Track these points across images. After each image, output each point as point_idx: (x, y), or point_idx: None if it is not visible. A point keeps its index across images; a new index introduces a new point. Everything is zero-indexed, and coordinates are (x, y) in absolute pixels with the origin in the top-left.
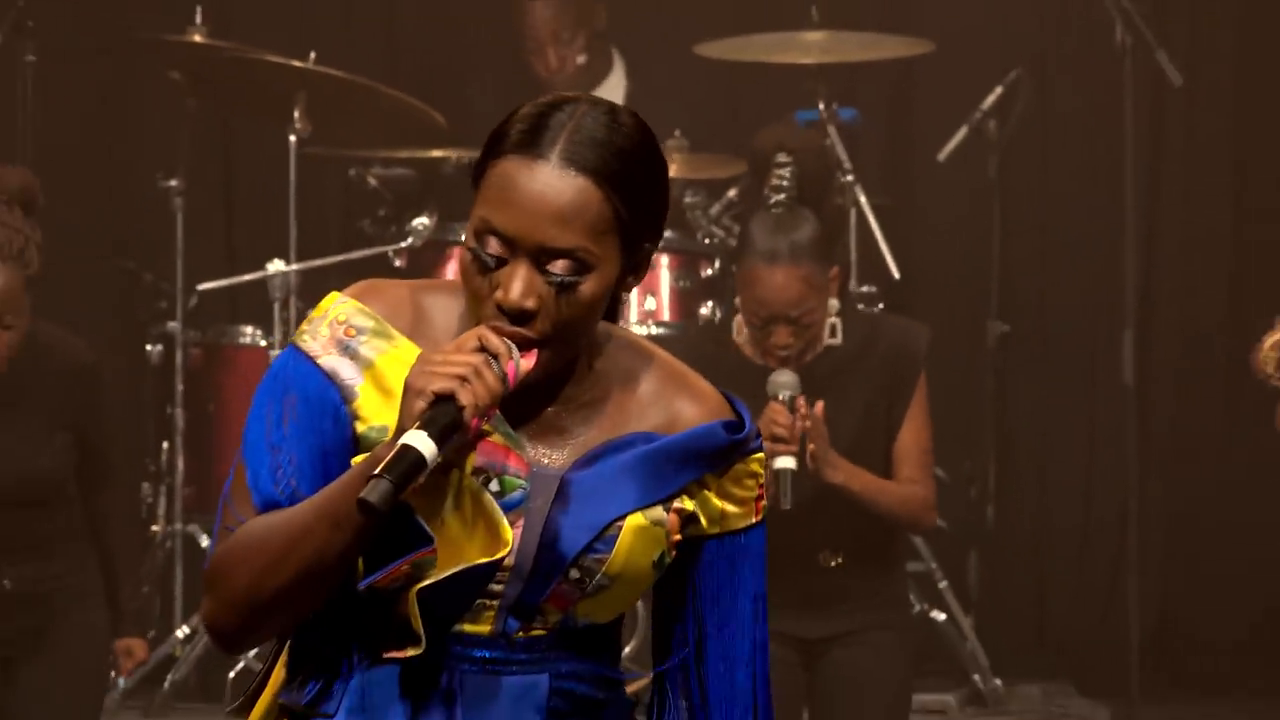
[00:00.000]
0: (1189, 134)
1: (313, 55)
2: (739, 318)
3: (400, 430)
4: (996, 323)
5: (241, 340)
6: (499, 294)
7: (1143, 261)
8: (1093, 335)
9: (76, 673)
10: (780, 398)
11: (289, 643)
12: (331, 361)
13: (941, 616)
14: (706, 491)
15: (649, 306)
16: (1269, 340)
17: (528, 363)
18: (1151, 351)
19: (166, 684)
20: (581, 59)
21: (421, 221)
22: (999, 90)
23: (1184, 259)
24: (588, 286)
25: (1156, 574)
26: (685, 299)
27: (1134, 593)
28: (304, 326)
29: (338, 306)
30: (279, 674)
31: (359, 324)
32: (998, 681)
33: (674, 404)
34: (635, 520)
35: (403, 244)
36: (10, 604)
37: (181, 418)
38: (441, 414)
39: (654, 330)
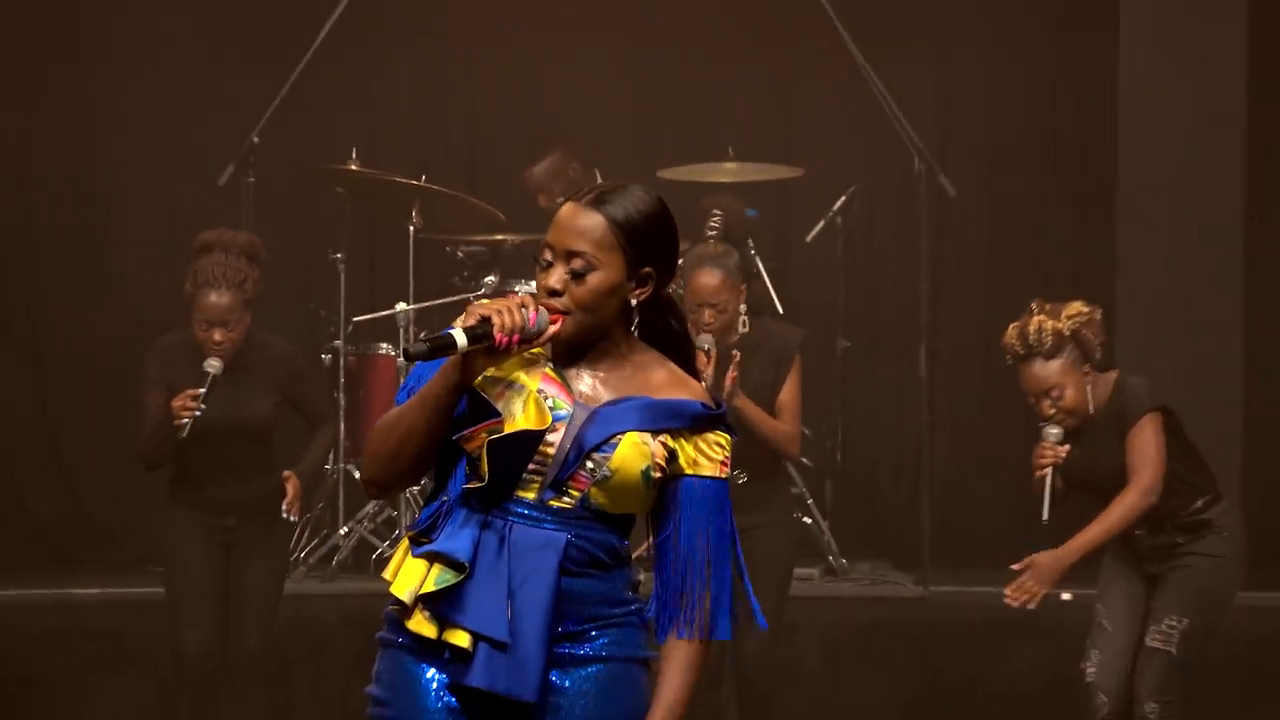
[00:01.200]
0: (960, 224)
1: (424, 177)
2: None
3: (456, 326)
4: (842, 340)
5: (379, 352)
6: (542, 281)
7: (931, 302)
8: (900, 346)
9: (273, 552)
10: (703, 345)
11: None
12: (464, 338)
13: (809, 520)
14: (684, 440)
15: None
16: (1012, 326)
17: (555, 326)
18: (937, 357)
19: (334, 563)
20: (560, 200)
21: (489, 280)
22: (843, 199)
23: (957, 300)
24: (592, 279)
25: (940, 493)
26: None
27: (926, 504)
28: (464, 317)
29: (517, 297)
30: (402, 549)
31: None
32: (844, 560)
33: (676, 391)
34: (631, 436)
35: (478, 293)
36: (236, 504)
37: (342, 399)
38: (479, 325)
39: None
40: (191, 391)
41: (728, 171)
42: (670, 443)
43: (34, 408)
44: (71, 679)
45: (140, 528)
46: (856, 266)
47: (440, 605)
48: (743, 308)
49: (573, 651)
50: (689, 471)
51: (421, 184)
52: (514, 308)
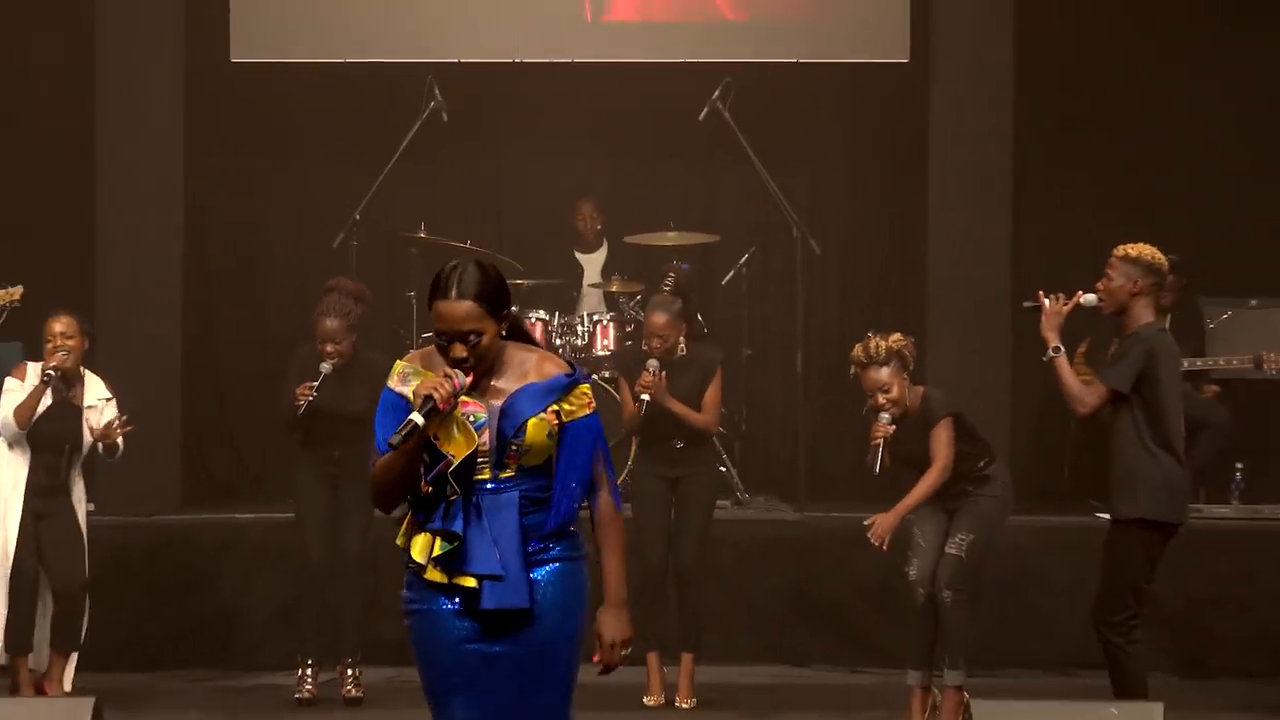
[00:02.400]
0: (823, 272)
1: (468, 240)
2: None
3: (413, 408)
4: (746, 349)
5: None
6: (452, 354)
7: (804, 323)
8: (784, 353)
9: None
10: (649, 367)
11: (410, 507)
12: (401, 387)
13: (724, 469)
14: (562, 402)
15: (628, 344)
16: (857, 345)
17: (469, 379)
18: (809, 360)
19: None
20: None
21: (512, 308)
22: (746, 255)
23: (821, 321)
24: (483, 340)
25: (810, 450)
26: (635, 333)
27: (801, 458)
28: (389, 379)
29: (399, 365)
30: (407, 522)
31: (408, 369)
32: (747, 495)
33: (544, 368)
34: (533, 420)
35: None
36: (340, 459)
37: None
38: (425, 403)
39: (626, 345)
40: (308, 383)
41: (670, 238)
42: (554, 407)
43: (212, 393)
44: (234, 576)
45: (280, 472)
46: (755, 300)
47: (447, 563)
48: (683, 340)
49: (538, 559)
50: (569, 419)
51: (467, 246)
52: (442, 383)
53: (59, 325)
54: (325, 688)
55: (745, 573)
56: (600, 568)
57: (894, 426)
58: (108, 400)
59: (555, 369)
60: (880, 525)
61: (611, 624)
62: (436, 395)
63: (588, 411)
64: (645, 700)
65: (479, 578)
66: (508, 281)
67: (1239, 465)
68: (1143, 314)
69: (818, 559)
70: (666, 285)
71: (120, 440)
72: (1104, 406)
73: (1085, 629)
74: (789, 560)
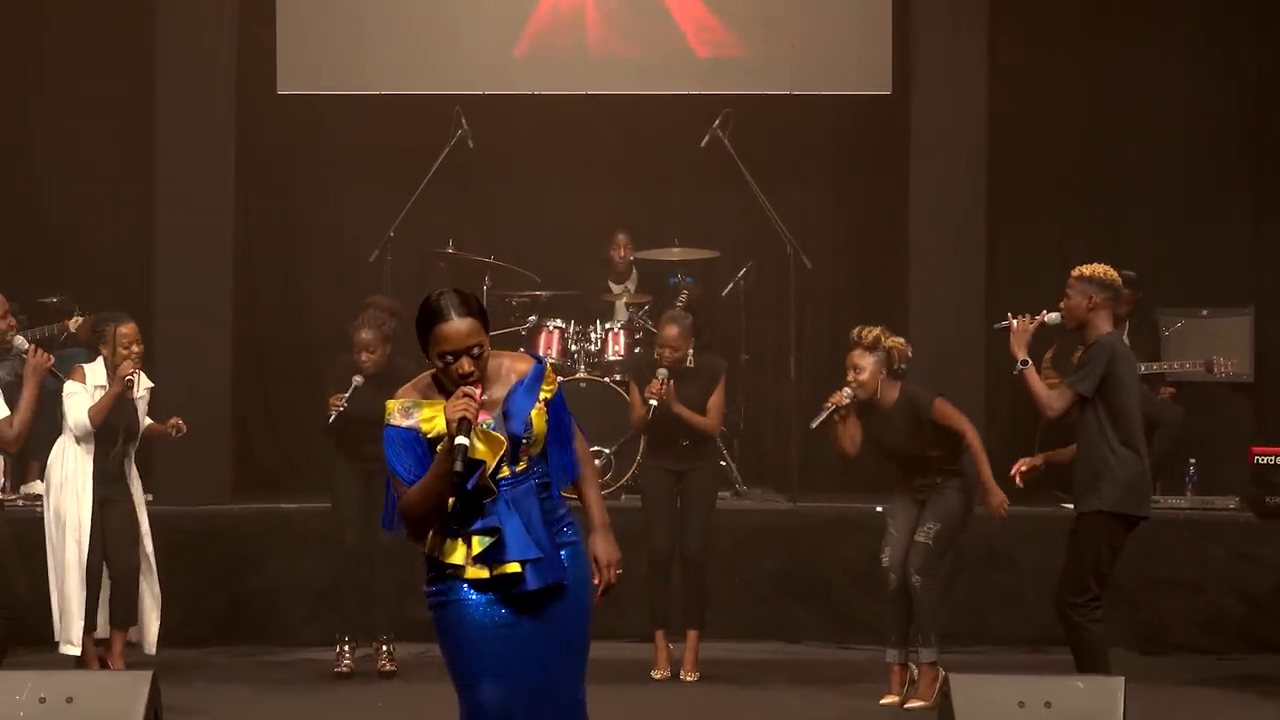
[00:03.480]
0: (815, 285)
1: (492, 255)
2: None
3: (451, 436)
4: (744, 354)
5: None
6: (458, 370)
7: (797, 331)
8: (779, 359)
9: None
10: (659, 376)
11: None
12: (406, 421)
13: (724, 463)
14: (543, 389)
15: (637, 351)
16: (856, 328)
17: (480, 394)
18: (801, 365)
19: None
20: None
21: (532, 318)
22: (744, 269)
23: (813, 330)
24: (484, 353)
25: (803, 447)
26: (644, 340)
27: (794, 453)
28: (388, 417)
29: (394, 404)
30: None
31: (407, 404)
32: (745, 486)
33: (517, 366)
34: (534, 412)
35: (526, 324)
36: (372, 458)
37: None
38: (463, 425)
39: (635, 351)
40: (338, 395)
41: (675, 253)
42: (540, 395)
43: (259, 394)
44: (278, 560)
45: (320, 466)
46: (752, 310)
47: (489, 557)
48: (690, 352)
49: (557, 541)
50: (546, 398)
51: (490, 260)
52: (469, 402)
53: (128, 331)
54: (362, 662)
55: (744, 557)
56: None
57: (849, 400)
58: (151, 389)
59: (525, 364)
60: (992, 504)
61: (603, 546)
62: (469, 414)
63: (557, 387)
64: (653, 674)
65: (521, 564)
66: (528, 293)
67: (1192, 460)
68: (1101, 325)
69: (809, 544)
70: (680, 302)
71: (181, 429)
72: (1070, 409)
73: (1051, 609)
74: (783, 546)
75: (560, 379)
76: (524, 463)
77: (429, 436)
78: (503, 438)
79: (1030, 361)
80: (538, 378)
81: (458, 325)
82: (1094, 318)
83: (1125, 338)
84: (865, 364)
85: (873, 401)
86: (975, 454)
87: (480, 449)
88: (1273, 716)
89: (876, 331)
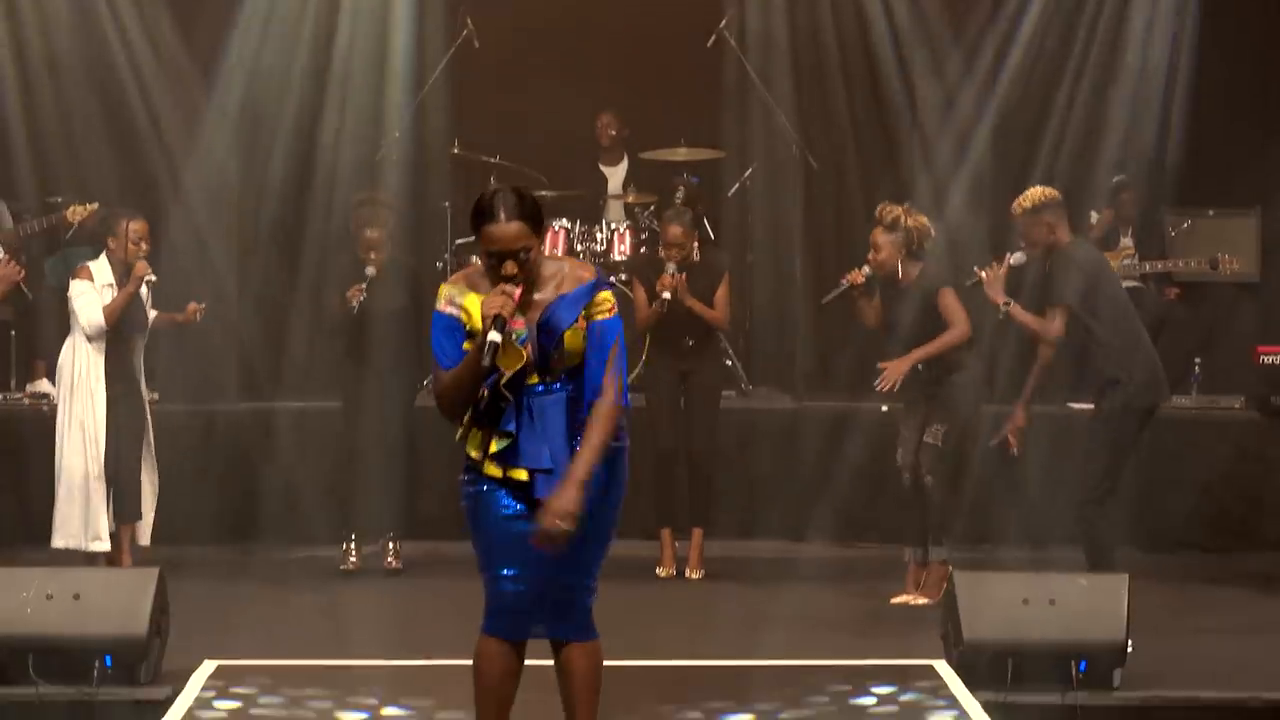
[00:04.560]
0: (820, 185)
1: (498, 156)
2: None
3: (485, 331)
4: (749, 254)
5: (473, 261)
6: (504, 272)
7: (802, 229)
8: (783, 256)
9: (405, 382)
10: (668, 269)
11: (470, 414)
12: (450, 309)
13: (730, 362)
14: (588, 306)
15: (643, 251)
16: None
17: (519, 293)
18: (805, 262)
19: None
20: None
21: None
22: (750, 169)
23: (818, 228)
24: (531, 255)
25: (808, 344)
26: (650, 240)
27: (799, 350)
28: (438, 302)
29: (445, 290)
30: (467, 422)
31: (454, 292)
32: (750, 386)
33: (578, 275)
34: (569, 331)
35: None
36: (382, 354)
37: None
38: (497, 321)
39: (641, 251)
40: (358, 285)
41: (681, 153)
42: (585, 312)
43: (263, 292)
44: (285, 459)
45: (325, 366)
46: (758, 210)
47: (502, 459)
48: (695, 246)
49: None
50: (592, 320)
51: (496, 160)
52: (505, 300)
53: (138, 228)
54: (368, 560)
55: (749, 456)
56: (631, 455)
57: (864, 279)
58: (154, 283)
59: (586, 275)
60: (890, 370)
61: (561, 495)
62: (505, 312)
63: (607, 315)
64: (658, 572)
65: (531, 471)
66: (550, 193)
67: (1197, 360)
68: (1061, 239)
69: (814, 444)
70: (678, 198)
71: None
72: (1067, 322)
73: (1057, 508)
74: (788, 444)
75: (617, 311)
76: (557, 374)
77: (468, 327)
78: (524, 352)
79: (1011, 301)
80: (586, 294)
81: (505, 227)
82: (1056, 238)
83: (1128, 240)
84: (883, 242)
85: (894, 281)
86: (935, 342)
87: (503, 355)
88: (1274, 612)
89: (898, 211)
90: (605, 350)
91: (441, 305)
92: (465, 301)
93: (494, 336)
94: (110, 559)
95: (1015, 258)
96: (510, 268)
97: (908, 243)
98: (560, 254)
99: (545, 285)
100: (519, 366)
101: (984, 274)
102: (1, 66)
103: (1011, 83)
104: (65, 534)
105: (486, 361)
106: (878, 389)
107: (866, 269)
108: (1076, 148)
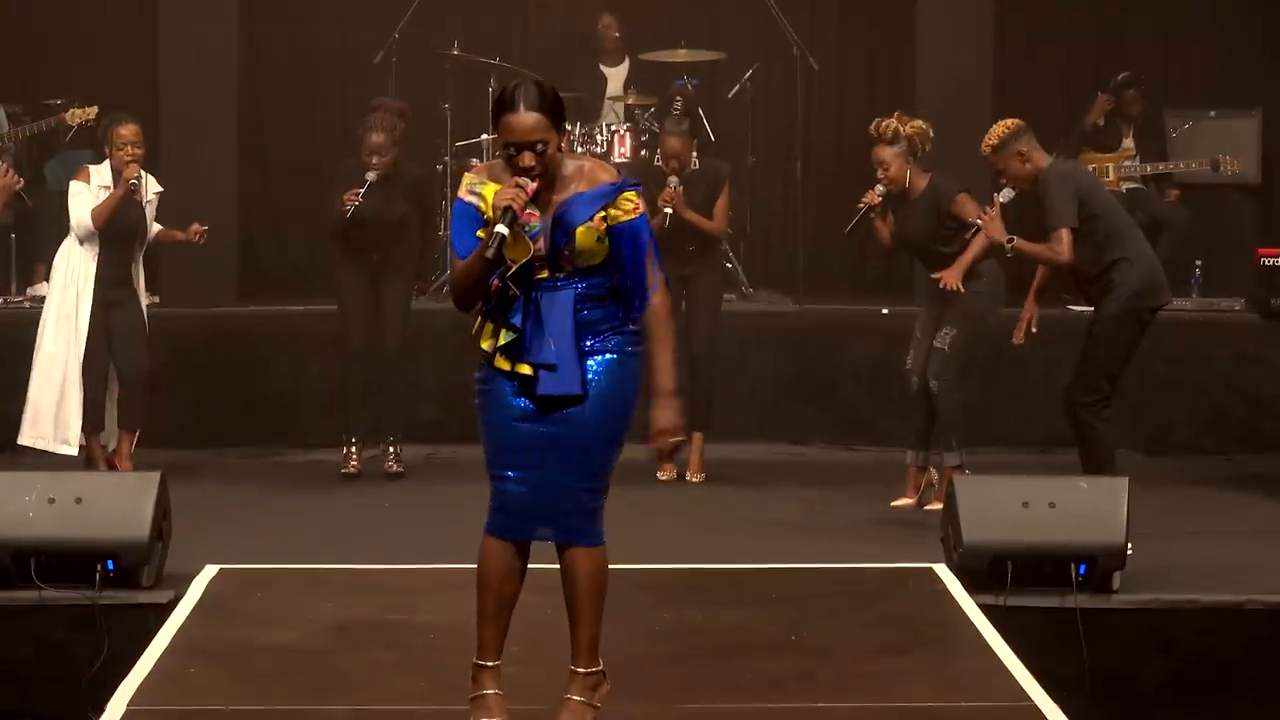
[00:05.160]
0: (820, 87)
1: (497, 58)
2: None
3: (494, 222)
4: (750, 156)
5: (472, 164)
6: (519, 163)
7: (803, 132)
8: (785, 159)
9: (404, 287)
10: (669, 184)
11: (482, 306)
12: (471, 197)
13: (730, 265)
14: (610, 207)
15: (643, 154)
16: (875, 121)
17: (533, 186)
18: (806, 166)
19: (444, 291)
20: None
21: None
22: (750, 71)
23: (819, 131)
24: (549, 149)
25: (809, 247)
26: (649, 143)
27: (800, 254)
28: (461, 191)
29: (467, 178)
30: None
31: (474, 180)
32: (751, 289)
33: (596, 176)
34: (581, 228)
35: None
36: (380, 261)
37: (448, 191)
38: (506, 213)
39: (641, 154)
40: (354, 189)
41: (680, 55)
42: (603, 212)
43: (265, 197)
44: (285, 363)
45: (325, 270)
46: (759, 112)
47: (509, 352)
48: (694, 156)
49: (594, 349)
50: (619, 222)
51: (495, 62)
52: (518, 193)
53: (128, 132)
54: (369, 463)
55: (750, 360)
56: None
57: (881, 198)
58: (160, 193)
59: (605, 177)
60: (947, 276)
61: (660, 414)
62: (515, 205)
63: (634, 215)
64: (658, 475)
65: (535, 366)
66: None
67: (1198, 262)
68: (1038, 164)
69: (815, 347)
70: (676, 109)
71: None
72: (1075, 245)
73: (1058, 411)
74: (789, 348)
75: (643, 211)
76: (568, 270)
77: (485, 216)
78: (531, 244)
79: (1015, 237)
80: (605, 195)
81: (523, 118)
82: (1033, 165)
83: (1130, 141)
84: (887, 156)
85: (903, 193)
86: (973, 247)
87: (513, 247)
88: (1274, 514)
89: (892, 123)
90: (640, 251)
91: (462, 192)
92: (484, 190)
93: (501, 229)
94: (111, 464)
95: (1005, 195)
96: (527, 159)
97: (911, 150)
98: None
99: (565, 183)
100: (525, 259)
101: (982, 219)
102: None
103: None
104: (34, 433)
105: (490, 254)
106: (941, 285)
107: (880, 188)
108: (1080, 50)
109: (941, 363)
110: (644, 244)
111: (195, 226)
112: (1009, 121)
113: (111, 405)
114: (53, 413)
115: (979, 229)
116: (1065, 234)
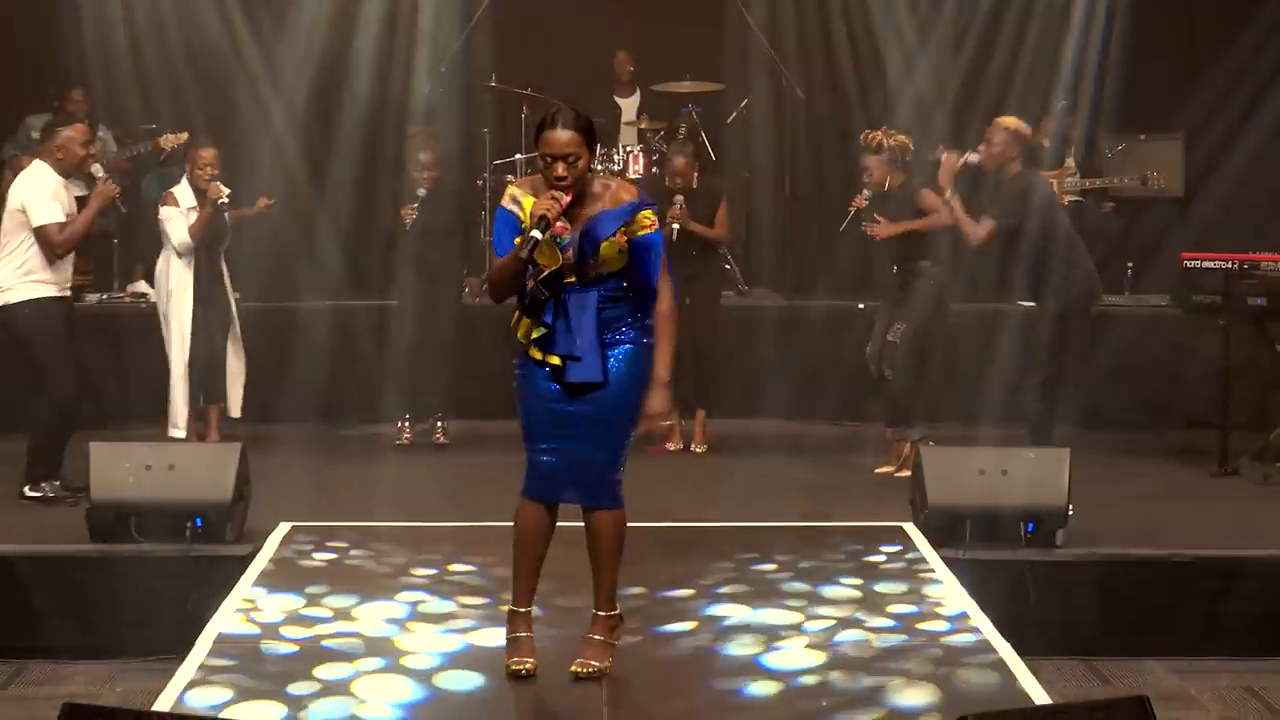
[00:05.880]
0: (807, 114)
1: (529, 88)
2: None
3: (530, 227)
4: (744, 172)
5: (509, 179)
6: (552, 173)
7: (791, 151)
8: (775, 175)
9: (456, 283)
10: (676, 201)
11: (519, 302)
12: (512, 206)
13: (728, 266)
14: (630, 223)
15: (654, 171)
16: (864, 133)
17: (566, 198)
18: (794, 181)
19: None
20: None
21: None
22: (745, 100)
23: (805, 150)
24: (580, 163)
25: (797, 250)
26: (660, 161)
27: (788, 257)
28: (504, 200)
29: (510, 190)
30: (518, 312)
31: (516, 193)
32: (746, 287)
33: (619, 196)
34: (605, 242)
35: None
36: (433, 260)
37: (486, 201)
38: (541, 221)
39: (652, 172)
40: (409, 206)
41: (685, 86)
42: (624, 229)
43: (327, 207)
44: (347, 349)
45: (383, 270)
46: (754, 134)
47: (541, 344)
48: (695, 174)
49: (613, 342)
50: (636, 235)
51: (527, 92)
52: (553, 205)
53: (207, 155)
54: (419, 436)
55: (746, 347)
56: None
57: (867, 201)
58: (227, 205)
59: (627, 196)
60: (881, 227)
61: (654, 401)
62: (550, 214)
63: (650, 230)
64: (667, 446)
65: (563, 358)
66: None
67: (1130, 264)
68: (1014, 167)
69: (802, 336)
70: (680, 133)
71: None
72: (991, 238)
73: (1006, 391)
74: (780, 337)
75: (658, 227)
76: (592, 276)
77: (522, 224)
78: (561, 255)
79: (956, 195)
80: (628, 213)
81: (560, 134)
82: (1010, 162)
83: (1071, 160)
84: (873, 164)
85: (884, 194)
86: (920, 223)
87: (545, 254)
88: (1194, 480)
89: (879, 136)
90: (654, 261)
91: (505, 201)
92: (525, 202)
93: (535, 234)
94: (200, 435)
95: (972, 157)
96: (560, 169)
97: (894, 159)
98: None
99: (593, 201)
100: (555, 266)
101: (944, 157)
102: (115, 16)
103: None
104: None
105: (524, 255)
106: (868, 233)
107: (866, 191)
108: (1031, 78)
109: (891, 354)
110: (657, 255)
111: (262, 200)
112: (1023, 125)
113: (230, 383)
114: (169, 406)
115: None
116: (991, 228)
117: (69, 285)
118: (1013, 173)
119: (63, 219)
